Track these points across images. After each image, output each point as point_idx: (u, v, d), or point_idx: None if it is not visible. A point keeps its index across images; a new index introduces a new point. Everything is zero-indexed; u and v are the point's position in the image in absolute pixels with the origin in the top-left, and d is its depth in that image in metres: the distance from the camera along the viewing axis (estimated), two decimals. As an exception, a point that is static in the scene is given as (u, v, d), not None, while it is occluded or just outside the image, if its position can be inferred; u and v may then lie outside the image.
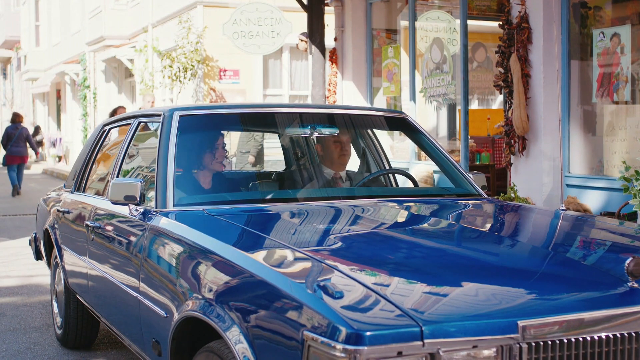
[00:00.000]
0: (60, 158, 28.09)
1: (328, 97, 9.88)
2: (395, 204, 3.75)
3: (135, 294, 3.42)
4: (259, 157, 7.51)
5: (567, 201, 6.50)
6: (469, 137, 8.44)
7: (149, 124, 4.33)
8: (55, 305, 5.47)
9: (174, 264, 3.11)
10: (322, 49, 9.32)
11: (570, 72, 6.83)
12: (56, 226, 5.24)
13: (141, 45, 18.66)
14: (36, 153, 20.45)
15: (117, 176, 4.26)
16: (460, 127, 8.35)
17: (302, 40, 9.93)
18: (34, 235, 6.24)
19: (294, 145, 4.90)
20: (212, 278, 2.77)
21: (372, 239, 3.06)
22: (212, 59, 15.34)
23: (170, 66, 15.27)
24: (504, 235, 3.26)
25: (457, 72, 8.47)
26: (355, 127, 4.70)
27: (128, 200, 3.61)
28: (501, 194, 6.82)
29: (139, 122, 4.37)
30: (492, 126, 10.06)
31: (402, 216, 3.58)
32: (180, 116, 3.90)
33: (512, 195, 6.67)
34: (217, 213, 3.44)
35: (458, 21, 8.65)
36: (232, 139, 6.75)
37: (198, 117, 4.04)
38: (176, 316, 2.90)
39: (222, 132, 4.19)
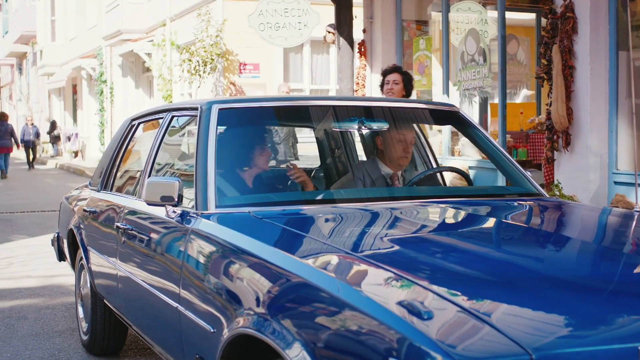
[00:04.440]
0: (76, 153, 27.90)
1: (356, 90, 9.56)
2: (461, 207, 3.42)
3: (174, 304, 3.13)
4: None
5: (616, 199, 6.16)
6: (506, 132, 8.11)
7: (184, 119, 4.04)
8: (80, 309, 5.20)
9: (221, 273, 2.80)
10: (350, 41, 9.01)
11: (619, 63, 6.48)
12: (82, 226, 4.96)
13: (159, 39, 18.39)
14: (17, 145, 23.19)
15: (150, 174, 3.97)
16: (498, 122, 8.01)
17: (329, 32, 9.60)
18: (56, 235, 5.97)
19: (332, 140, 4.62)
20: (268, 290, 2.47)
21: (449, 248, 2.72)
22: (232, 53, 15.07)
23: (190, 60, 15.00)
24: (593, 242, 2.90)
25: (494, 64, 8.13)
26: (402, 121, 4.39)
27: (165, 201, 3.31)
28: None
29: (172, 117, 4.08)
30: (525, 121, 9.70)
31: (472, 221, 3.25)
32: (220, 109, 3.60)
33: (557, 192, 6.34)
34: (264, 216, 3.13)
35: (490, 12, 8.32)
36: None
37: (238, 111, 3.74)
38: (226, 332, 2.60)
39: (265, 126, 3.88)
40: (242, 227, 2.99)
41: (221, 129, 3.60)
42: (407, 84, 6.58)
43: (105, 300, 4.61)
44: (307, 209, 3.29)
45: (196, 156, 3.42)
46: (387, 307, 2.00)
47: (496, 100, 9.28)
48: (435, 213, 3.38)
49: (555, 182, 6.58)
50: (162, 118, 4.19)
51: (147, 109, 4.75)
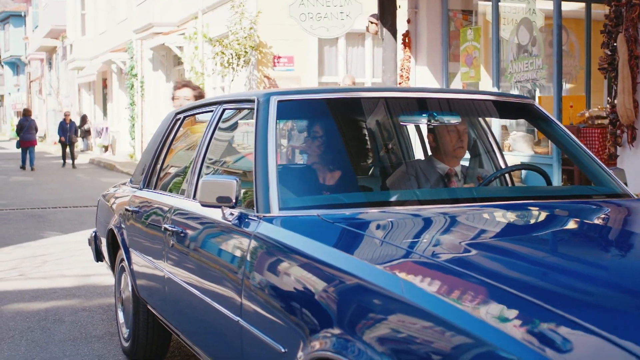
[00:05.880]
0: (106, 148, 27.78)
1: (400, 83, 9.20)
2: (549, 210, 3.07)
3: (235, 317, 2.81)
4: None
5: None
6: (561, 126, 7.72)
7: (238, 112, 3.72)
8: (120, 314, 4.91)
9: (292, 285, 2.48)
10: (393, 32, 8.62)
11: (690, 53, 6.08)
12: (123, 227, 4.67)
13: (190, 32, 18.13)
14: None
15: (200, 172, 3.65)
16: (553, 115, 7.62)
17: (372, 23, 9.23)
18: (93, 234, 5.71)
19: (386, 132, 4.29)
20: (350, 306, 2.15)
21: (553, 261, 2.36)
22: (266, 45, 14.76)
23: (223, 53, 14.71)
24: None
25: (548, 55, 7.74)
26: (469, 114, 4.05)
27: (221, 202, 3.00)
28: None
29: (224, 110, 3.76)
30: (575, 114, 9.31)
31: (566, 226, 2.89)
32: (279, 102, 3.28)
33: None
34: (335, 219, 2.80)
35: (539, 2, 7.94)
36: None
37: (299, 103, 3.41)
38: (301, 355, 2.27)
39: (329, 119, 3.55)
40: (312, 233, 2.66)
41: (281, 122, 3.27)
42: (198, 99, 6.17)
43: (148, 306, 4.32)
44: (382, 212, 2.95)
45: (255, 153, 3.10)
46: (517, 338, 1.66)
47: (546, 93, 8.90)
48: (524, 217, 3.04)
49: (619, 179, 6.20)
50: (212, 111, 3.88)
51: (194, 101, 4.44)
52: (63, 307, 5.99)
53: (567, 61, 9.94)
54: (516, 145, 8.12)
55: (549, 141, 7.74)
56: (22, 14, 50.00)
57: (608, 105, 6.49)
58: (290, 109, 3.38)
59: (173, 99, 6.36)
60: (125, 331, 4.79)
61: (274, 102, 3.26)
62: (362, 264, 2.28)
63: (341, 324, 2.15)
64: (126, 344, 4.74)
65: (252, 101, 3.37)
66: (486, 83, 8.71)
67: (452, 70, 9.36)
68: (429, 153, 4.03)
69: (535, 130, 8.20)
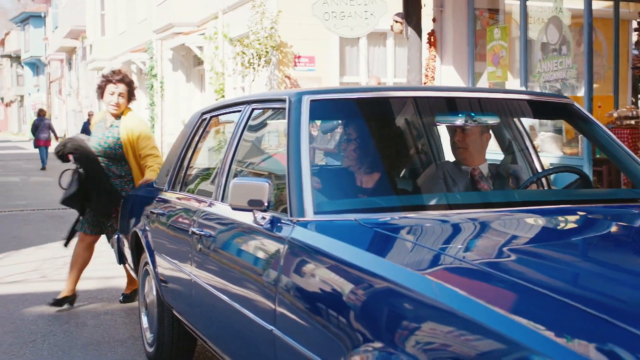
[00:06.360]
0: (126, 148, 27.73)
1: (425, 82, 9.06)
2: (598, 215, 2.94)
3: (269, 327, 2.69)
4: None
5: None
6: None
7: (268, 112, 3.61)
8: (144, 318, 4.81)
9: (330, 295, 2.36)
10: (418, 31, 8.48)
11: None
12: (148, 229, 4.56)
13: (211, 32, 18.06)
14: (56, 138, 23.44)
15: (228, 174, 3.54)
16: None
17: (396, 22, 9.10)
18: (116, 236, 5.62)
19: (415, 131, 4.16)
20: (395, 317, 2.03)
21: (607, 269, 2.21)
22: (287, 45, 14.66)
23: (243, 53, 14.62)
24: None
25: (577, 54, 7.58)
26: (504, 114, 3.92)
27: (253, 205, 2.88)
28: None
29: (253, 109, 3.64)
30: (603, 114, 9.14)
31: (618, 231, 2.75)
32: (311, 101, 3.16)
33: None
34: (374, 224, 2.68)
35: (568, 0, 7.78)
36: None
37: (332, 103, 3.29)
38: (342, 369, 2.16)
39: (363, 120, 3.43)
40: (350, 238, 2.54)
41: (314, 123, 3.16)
42: (131, 95, 6.13)
43: (174, 310, 4.22)
44: (422, 217, 2.82)
45: (287, 155, 2.98)
46: (573, 349, 1.54)
47: (569, 93, 8.74)
48: (566, 222, 2.91)
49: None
50: (240, 111, 3.77)
51: (221, 101, 4.33)
52: (85, 311, 5.91)
53: (595, 60, 9.73)
54: (545, 146, 7.96)
55: (579, 142, 7.58)
56: (42, 15, 50.20)
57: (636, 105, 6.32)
58: (323, 108, 3.26)
59: (103, 93, 6.07)
60: (149, 336, 4.69)
61: (306, 101, 3.15)
62: (406, 272, 2.16)
63: (384, 336, 2.04)
64: (150, 349, 4.64)
65: (283, 100, 3.25)
66: (513, 82, 8.56)
67: (478, 69, 9.21)
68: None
69: (564, 130, 8.05)
